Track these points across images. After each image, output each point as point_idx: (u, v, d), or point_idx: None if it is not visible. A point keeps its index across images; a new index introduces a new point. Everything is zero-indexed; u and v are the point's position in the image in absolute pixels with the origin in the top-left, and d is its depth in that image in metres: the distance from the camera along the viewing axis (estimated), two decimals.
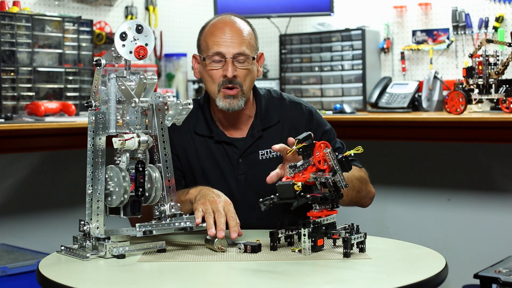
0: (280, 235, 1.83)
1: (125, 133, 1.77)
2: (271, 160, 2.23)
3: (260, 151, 2.24)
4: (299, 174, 1.75)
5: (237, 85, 2.18)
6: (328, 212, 1.79)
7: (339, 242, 1.80)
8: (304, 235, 1.73)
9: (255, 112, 2.29)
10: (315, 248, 1.76)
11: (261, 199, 1.73)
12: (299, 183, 1.70)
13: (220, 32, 2.20)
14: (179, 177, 2.24)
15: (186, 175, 2.27)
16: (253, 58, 2.21)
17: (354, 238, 1.75)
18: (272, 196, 1.72)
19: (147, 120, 1.82)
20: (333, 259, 1.72)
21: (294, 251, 1.78)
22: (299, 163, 1.76)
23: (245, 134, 2.26)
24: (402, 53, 4.10)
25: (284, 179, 1.75)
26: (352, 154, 1.78)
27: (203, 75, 2.25)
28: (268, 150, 2.24)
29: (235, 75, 2.17)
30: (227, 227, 1.86)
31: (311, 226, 1.74)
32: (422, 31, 4.04)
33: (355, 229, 1.78)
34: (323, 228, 1.78)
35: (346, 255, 1.72)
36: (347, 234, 1.76)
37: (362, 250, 1.78)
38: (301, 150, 1.76)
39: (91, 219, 1.75)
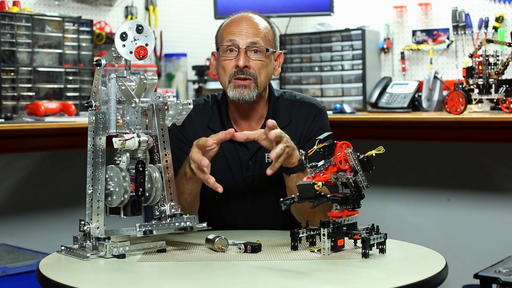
0: (301, 235, 1.82)
1: (125, 133, 1.78)
2: None
3: (266, 154, 2.20)
4: (320, 174, 1.74)
5: (250, 76, 2.14)
6: (349, 212, 1.78)
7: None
8: (324, 235, 1.73)
9: (266, 113, 2.26)
10: (335, 248, 1.75)
11: (281, 199, 1.71)
12: (320, 183, 1.68)
13: (236, 24, 2.19)
14: None
15: None
16: (267, 50, 2.17)
17: (374, 239, 1.73)
18: (293, 195, 1.71)
19: (147, 120, 1.82)
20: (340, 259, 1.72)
21: (313, 251, 1.78)
22: (320, 163, 1.75)
23: None
24: (402, 53, 4.09)
25: (305, 179, 1.73)
26: (374, 154, 1.78)
27: (217, 68, 2.23)
28: None
29: (248, 66, 2.14)
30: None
31: (331, 226, 1.73)
32: (422, 31, 4.04)
33: (375, 230, 1.76)
34: (344, 228, 1.77)
35: (365, 255, 1.71)
36: (366, 234, 1.75)
37: (382, 251, 1.76)
38: (321, 150, 1.75)
39: (91, 219, 1.75)
